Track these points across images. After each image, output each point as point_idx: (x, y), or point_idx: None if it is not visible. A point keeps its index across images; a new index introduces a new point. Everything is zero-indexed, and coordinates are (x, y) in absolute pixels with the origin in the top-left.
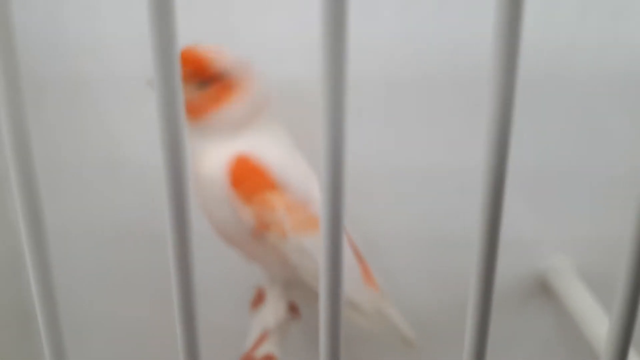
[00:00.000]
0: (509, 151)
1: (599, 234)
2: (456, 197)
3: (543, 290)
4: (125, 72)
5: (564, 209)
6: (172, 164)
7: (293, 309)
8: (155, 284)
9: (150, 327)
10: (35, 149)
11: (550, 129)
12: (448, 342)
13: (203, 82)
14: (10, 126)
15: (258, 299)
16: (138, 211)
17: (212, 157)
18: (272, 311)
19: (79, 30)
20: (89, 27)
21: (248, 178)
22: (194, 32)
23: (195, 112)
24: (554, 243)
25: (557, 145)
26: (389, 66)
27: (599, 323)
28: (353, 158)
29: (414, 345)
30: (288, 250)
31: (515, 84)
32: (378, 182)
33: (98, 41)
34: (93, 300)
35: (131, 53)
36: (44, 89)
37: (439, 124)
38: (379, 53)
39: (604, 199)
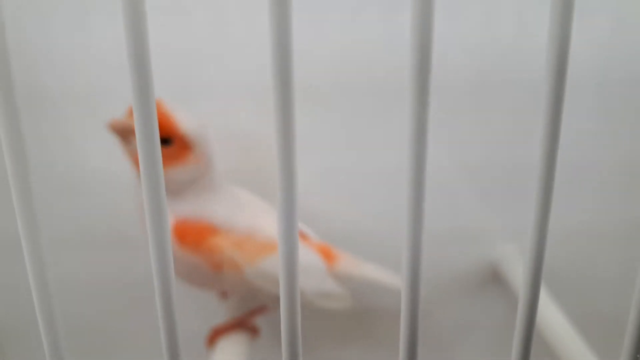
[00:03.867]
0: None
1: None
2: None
3: (494, 278)
4: (90, 85)
5: (513, 200)
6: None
7: (253, 330)
8: (125, 290)
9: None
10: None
11: (498, 121)
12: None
13: (164, 139)
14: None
15: (214, 337)
16: (103, 219)
17: None
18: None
19: (43, 43)
20: (55, 41)
21: (190, 233)
22: None
23: None
24: (504, 233)
25: (506, 138)
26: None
27: (548, 309)
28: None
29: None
30: (250, 279)
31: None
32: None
33: (58, 51)
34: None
35: (96, 66)
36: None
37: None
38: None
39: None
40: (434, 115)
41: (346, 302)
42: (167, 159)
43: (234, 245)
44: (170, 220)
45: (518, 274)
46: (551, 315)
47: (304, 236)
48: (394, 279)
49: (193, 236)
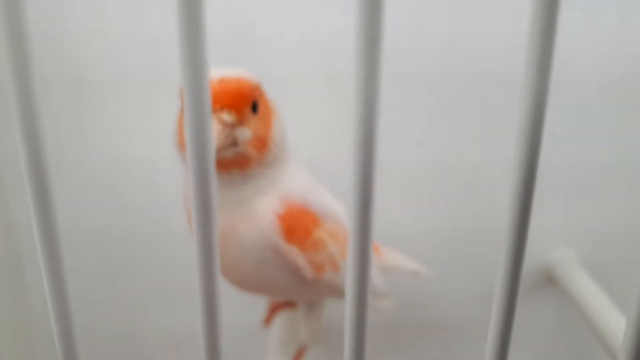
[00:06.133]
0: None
1: (603, 226)
2: (478, 192)
3: (549, 281)
4: (131, 71)
5: (569, 202)
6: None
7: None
8: (161, 283)
9: (152, 327)
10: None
11: (555, 124)
12: (473, 333)
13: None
14: (24, 128)
15: (271, 314)
16: (144, 210)
17: (253, 214)
18: (308, 328)
19: (85, 29)
20: (94, 26)
21: (299, 227)
22: None
23: (259, 145)
24: (559, 235)
25: (561, 140)
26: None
27: (604, 313)
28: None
29: (424, 273)
30: (341, 279)
31: (548, 84)
32: (402, 176)
33: (103, 40)
34: (99, 300)
35: (137, 52)
36: (48, 89)
37: (459, 120)
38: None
39: (607, 193)
40: (489, 115)
41: (391, 303)
42: (263, 130)
43: (331, 238)
44: (275, 206)
45: (573, 278)
46: (611, 316)
47: None
48: (420, 267)
49: (301, 230)
